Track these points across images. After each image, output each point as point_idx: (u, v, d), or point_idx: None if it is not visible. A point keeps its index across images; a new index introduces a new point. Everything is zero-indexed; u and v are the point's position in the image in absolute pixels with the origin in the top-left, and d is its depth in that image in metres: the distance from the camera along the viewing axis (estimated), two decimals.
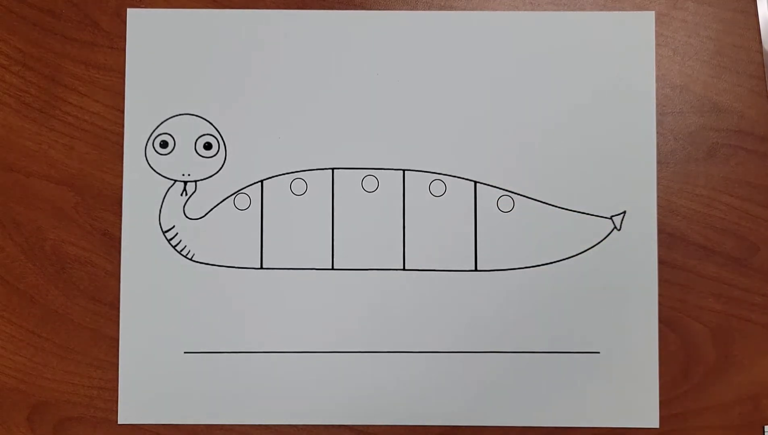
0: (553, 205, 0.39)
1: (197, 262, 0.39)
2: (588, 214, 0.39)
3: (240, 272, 0.39)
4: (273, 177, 0.39)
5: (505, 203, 0.39)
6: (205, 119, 0.39)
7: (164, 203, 0.39)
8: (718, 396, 0.39)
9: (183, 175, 0.39)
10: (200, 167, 0.39)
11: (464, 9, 0.40)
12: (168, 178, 0.39)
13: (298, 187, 0.39)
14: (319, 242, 0.39)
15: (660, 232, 0.39)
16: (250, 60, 0.39)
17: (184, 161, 0.39)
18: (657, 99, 0.39)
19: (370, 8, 0.40)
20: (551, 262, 0.39)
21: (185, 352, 0.39)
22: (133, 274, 0.39)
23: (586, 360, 0.39)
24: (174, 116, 0.39)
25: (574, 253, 0.39)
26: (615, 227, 0.39)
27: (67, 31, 0.40)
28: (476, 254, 0.39)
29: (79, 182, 0.40)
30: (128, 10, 0.40)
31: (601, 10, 0.40)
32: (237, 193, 0.39)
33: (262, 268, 0.39)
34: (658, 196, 0.39)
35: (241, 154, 0.39)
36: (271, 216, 0.39)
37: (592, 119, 0.39)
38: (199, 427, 0.39)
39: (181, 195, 0.39)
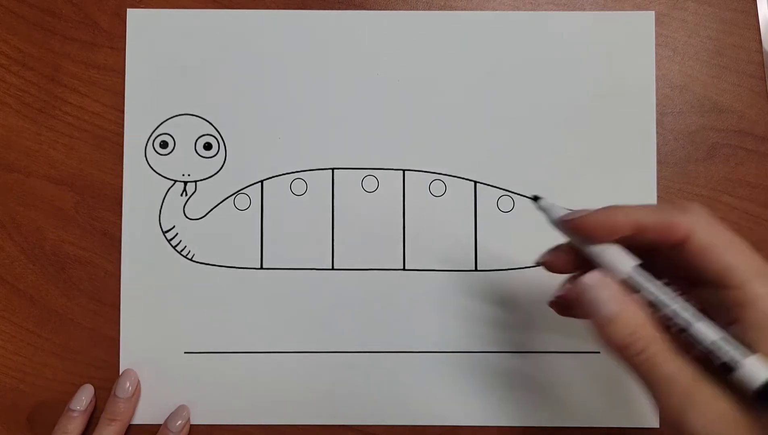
0: None
1: (197, 262, 0.39)
2: None
3: (240, 272, 0.39)
4: (273, 177, 0.39)
5: (505, 203, 0.39)
6: (205, 119, 0.39)
7: (164, 203, 0.39)
8: None
9: (183, 175, 0.39)
10: (200, 167, 0.39)
11: (464, 9, 0.40)
12: (168, 179, 0.39)
13: (298, 187, 0.39)
14: (319, 242, 0.39)
15: None
16: (250, 60, 0.39)
17: (184, 161, 0.39)
18: (657, 99, 0.39)
19: (370, 8, 0.40)
20: None
21: (185, 352, 0.39)
22: (133, 274, 0.39)
23: (586, 360, 0.39)
24: (174, 116, 0.39)
25: None
26: None
27: (67, 31, 0.40)
28: (476, 254, 0.39)
29: (79, 182, 0.39)
30: (128, 10, 0.40)
31: (601, 10, 0.40)
32: (237, 193, 0.39)
33: (262, 268, 0.39)
34: (658, 196, 0.39)
35: (241, 154, 0.39)
36: (271, 216, 0.39)
37: (592, 119, 0.39)
38: (199, 427, 0.39)
39: (181, 195, 0.39)
